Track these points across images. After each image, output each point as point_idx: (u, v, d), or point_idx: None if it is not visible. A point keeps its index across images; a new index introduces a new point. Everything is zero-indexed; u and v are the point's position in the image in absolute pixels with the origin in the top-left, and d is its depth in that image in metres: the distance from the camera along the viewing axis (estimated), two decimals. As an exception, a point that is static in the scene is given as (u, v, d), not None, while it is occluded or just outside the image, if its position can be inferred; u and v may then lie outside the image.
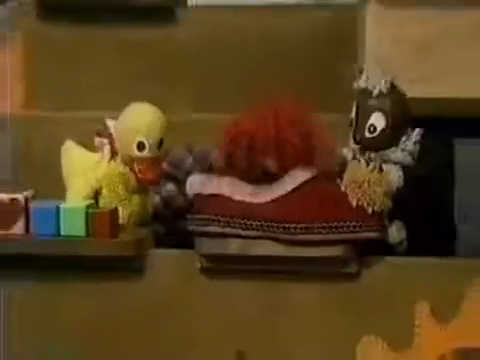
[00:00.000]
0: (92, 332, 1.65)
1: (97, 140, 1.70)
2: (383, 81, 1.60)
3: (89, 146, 1.73)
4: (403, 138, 1.60)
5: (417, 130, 1.60)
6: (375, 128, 1.61)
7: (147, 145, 1.66)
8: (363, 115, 1.61)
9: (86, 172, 1.69)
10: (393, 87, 1.61)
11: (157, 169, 1.69)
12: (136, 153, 1.66)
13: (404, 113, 1.61)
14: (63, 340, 1.66)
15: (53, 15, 2.12)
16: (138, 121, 1.66)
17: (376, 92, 1.61)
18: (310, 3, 2.25)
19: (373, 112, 1.61)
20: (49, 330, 1.66)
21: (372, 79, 1.61)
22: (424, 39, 1.73)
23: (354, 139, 1.62)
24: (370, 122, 1.61)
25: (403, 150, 1.59)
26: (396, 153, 1.59)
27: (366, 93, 1.61)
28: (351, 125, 1.63)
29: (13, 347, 1.66)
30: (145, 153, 1.66)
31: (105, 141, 1.69)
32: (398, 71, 1.66)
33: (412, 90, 1.63)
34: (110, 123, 1.69)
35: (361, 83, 1.62)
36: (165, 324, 1.64)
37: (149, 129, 1.66)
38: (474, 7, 1.73)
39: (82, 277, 1.65)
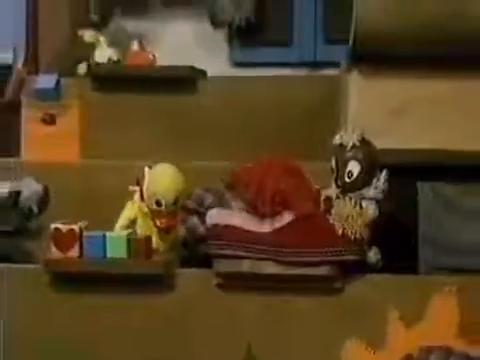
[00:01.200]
0: (131, 334, 1.66)
1: (130, 187, 1.73)
2: (355, 135, 1.62)
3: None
4: (374, 179, 1.62)
5: (384, 171, 1.62)
6: (352, 174, 1.63)
7: (163, 203, 1.68)
8: (342, 164, 1.63)
9: (128, 205, 1.71)
10: (363, 139, 1.63)
11: (172, 220, 1.71)
12: (154, 207, 1.69)
13: (374, 159, 1.63)
14: (110, 340, 1.67)
15: (102, 86, 2.16)
16: (159, 182, 1.69)
17: (350, 145, 1.63)
18: (304, 74, 2.32)
19: (349, 161, 1.63)
20: (99, 332, 1.67)
21: (346, 135, 1.63)
22: (395, 103, 1.73)
23: (336, 184, 1.64)
24: (348, 169, 1.63)
25: (375, 188, 1.62)
26: (370, 191, 1.62)
27: (342, 147, 1.63)
28: (332, 173, 1.65)
29: (64, 344, 1.68)
30: (161, 208, 1.69)
31: (137, 188, 1.72)
32: (374, 128, 1.68)
33: (384, 143, 1.66)
34: (147, 171, 1.72)
35: (337, 139, 1.65)
36: (188, 329, 1.66)
37: (166, 191, 1.68)
38: (434, 80, 1.72)
39: (123, 290, 1.67)
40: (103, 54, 2.19)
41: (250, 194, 1.65)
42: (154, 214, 1.70)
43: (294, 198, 1.64)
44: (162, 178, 1.69)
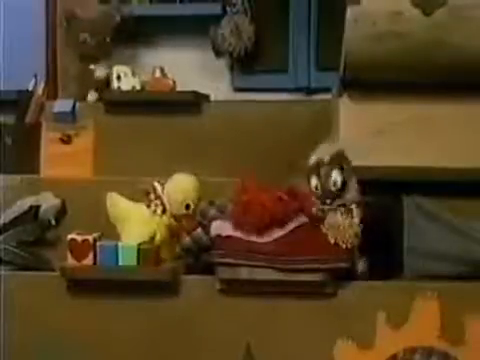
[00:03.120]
0: (140, 336, 1.68)
1: (154, 203, 1.74)
2: (329, 149, 1.65)
3: (137, 200, 1.76)
4: (349, 184, 1.65)
5: (353, 176, 1.65)
6: (337, 182, 1.64)
7: (192, 205, 1.73)
8: (325, 177, 1.65)
9: (143, 221, 1.72)
10: (337, 154, 1.66)
11: (194, 222, 1.75)
12: (183, 211, 1.73)
13: (348, 165, 1.66)
14: (121, 341, 1.68)
15: (114, 109, 2.20)
16: (185, 188, 1.73)
17: (328, 158, 1.65)
18: (299, 99, 2.35)
19: (332, 171, 1.65)
20: (110, 334, 1.69)
21: (320, 152, 1.67)
22: (381, 124, 1.74)
23: (322, 200, 1.64)
24: (332, 179, 1.65)
25: (351, 192, 1.64)
26: (348, 195, 1.64)
27: (319, 164, 1.65)
28: (317, 189, 1.65)
29: (79, 345, 1.69)
30: (189, 211, 1.73)
31: (158, 202, 1.74)
32: (362, 147, 1.70)
33: (372, 161, 1.68)
34: (157, 186, 1.74)
35: (312, 160, 1.67)
36: (193, 330, 1.67)
37: (194, 193, 1.73)
38: (417, 104, 1.73)
39: (133, 296, 1.68)
40: (128, 82, 2.23)
41: (249, 210, 1.65)
42: (181, 218, 1.72)
43: (290, 211, 1.65)
44: (187, 183, 1.73)
